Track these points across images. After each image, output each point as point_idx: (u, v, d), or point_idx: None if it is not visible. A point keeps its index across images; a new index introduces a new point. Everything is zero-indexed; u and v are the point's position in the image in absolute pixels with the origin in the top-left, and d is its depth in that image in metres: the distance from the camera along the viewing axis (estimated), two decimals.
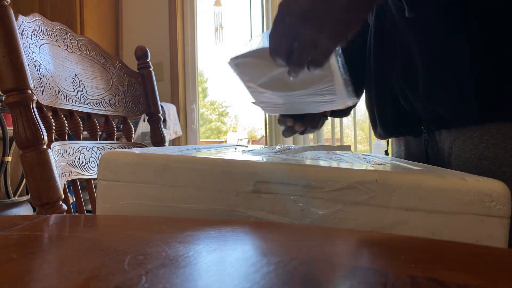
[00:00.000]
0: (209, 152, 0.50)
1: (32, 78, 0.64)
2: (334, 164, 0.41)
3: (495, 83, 0.56)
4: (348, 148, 0.54)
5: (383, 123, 0.74)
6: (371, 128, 0.82)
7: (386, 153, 0.86)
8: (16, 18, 0.64)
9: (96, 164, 0.79)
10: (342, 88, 0.50)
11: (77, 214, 0.72)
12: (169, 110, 2.56)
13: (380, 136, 0.79)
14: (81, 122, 0.82)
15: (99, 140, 0.85)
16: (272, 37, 0.47)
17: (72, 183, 0.75)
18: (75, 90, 0.78)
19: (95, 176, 0.71)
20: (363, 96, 0.86)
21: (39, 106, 0.68)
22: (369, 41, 0.76)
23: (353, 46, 0.87)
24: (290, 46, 0.46)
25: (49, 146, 0.65)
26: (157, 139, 1.00)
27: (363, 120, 3.20)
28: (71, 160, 0.73)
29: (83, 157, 0.76)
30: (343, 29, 0.46)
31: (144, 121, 2.40)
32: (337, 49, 0.49)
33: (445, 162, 0.65)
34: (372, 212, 0.36)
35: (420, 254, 0.24)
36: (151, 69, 1.00)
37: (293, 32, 0.45)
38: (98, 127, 0.88)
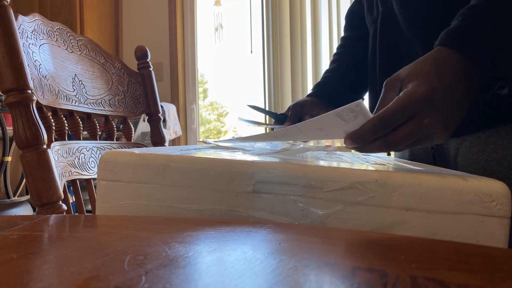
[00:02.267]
0: (209, 152, 0.50)
1: (32, 78, 0.64)
2: (334, 164, 0.41)
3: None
4: (348, 149, 0.54)
5: None
6: None
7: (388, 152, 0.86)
8: (16, 18, 0.64)
9: (96, 164, 0.79)
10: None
11: (77, 214, 0.72)
12: (169, 110, 2.56)
13: None
14: (81, 122, 0.82)
15: (99, 140, 0.85)
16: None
17: (72, 183, 0.75)
18: (75, 90, 0.78)
19: (95, 176, 0.71)
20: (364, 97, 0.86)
21: (39, 106, 0.68)
22: (371, 48, 0.76)
23: (350, 56, 0.87)
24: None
25: (49, 146, 0.65)
26: (157, 139, 1.00)
27: None
28: (71, 160, 0.72)
29: (83, 157, 0.76)
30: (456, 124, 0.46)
31: (144, 121, 2.40)
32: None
33: (451, 163, 0.64)
34: (372, 212, 0.36)
35: (420, 254, 0.24)
36: (151, 69, 1.00)
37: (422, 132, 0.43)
38: (98, 127, 0.88)
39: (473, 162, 0.59)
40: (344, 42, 0.91)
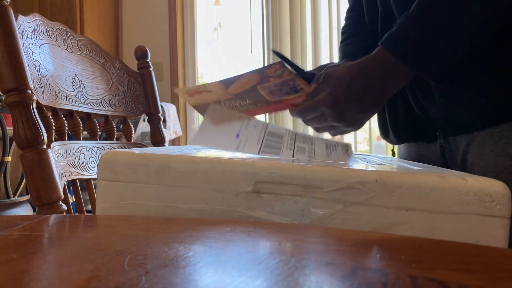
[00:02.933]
0: (209, 152, 0.50)
1: (32, 78, 0.64)
2: (334, 164, 0.41)
3: None
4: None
5: (396, 131, 0.73)
6: (371, 129, 0.81)
7: (393, 152, 0.85)
8: (16, 18, 0.64)
9: (96, 164, 0.79)
10: None
11: (77, 214, 0.72)
12: (169, 110, 2.56)
13: (391, 142, 0.78)
14: (81, 122, 0.82)
15: (99, 140, 0.85)
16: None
17: (72, 183, 0.75)
18: (75, 90, 0.78)
19: (95, 176, 0.71)
20: None
21: (39, 106, 0.68)
22: (373, 47, 0.74)
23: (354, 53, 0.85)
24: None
25: (49, 146, 0.65)
26: (157, 139, 1.00)
27: None
28: (71, 160, 0.72)
29: (83, 157, 0.76)
30: (378, 107, 0.60)
31: (144, 121, 2.40)
32: None
33: (461, 159, 0.63)
34: (372, 212, 0.36)
35: (420, 254, 0.24)
36: (151, 69, 1.00)
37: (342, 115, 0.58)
38: (98, 127, 0.88)
39: (483, 157, 0.58)
40: (351, 21, 0.85)
